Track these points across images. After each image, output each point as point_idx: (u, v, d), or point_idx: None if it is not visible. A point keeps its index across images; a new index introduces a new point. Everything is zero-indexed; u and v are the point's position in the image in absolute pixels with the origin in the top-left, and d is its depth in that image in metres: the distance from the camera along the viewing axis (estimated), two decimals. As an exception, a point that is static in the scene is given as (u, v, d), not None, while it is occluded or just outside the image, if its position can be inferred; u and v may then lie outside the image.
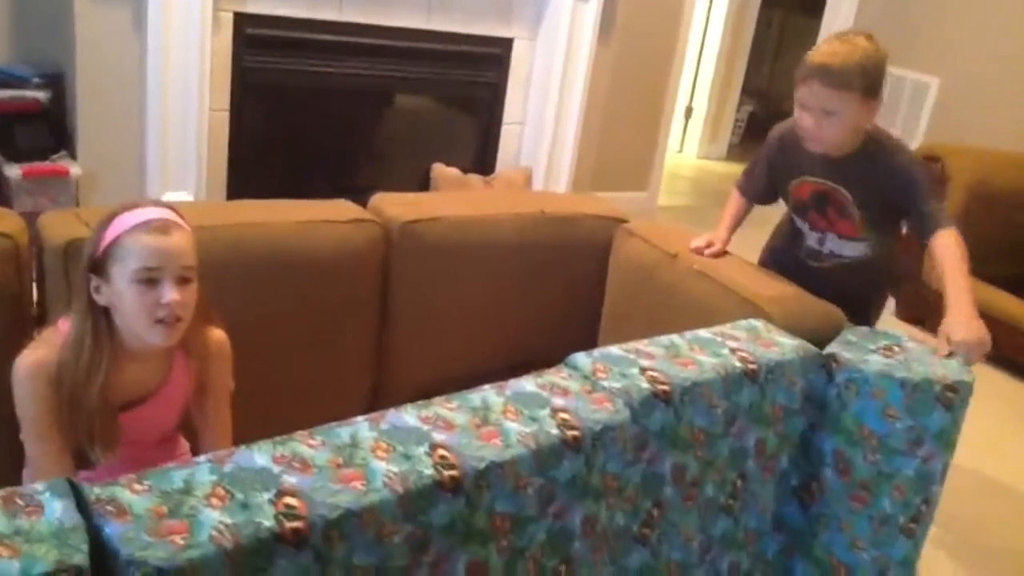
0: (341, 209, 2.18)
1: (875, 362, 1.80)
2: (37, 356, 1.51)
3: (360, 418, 1.33)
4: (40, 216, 1.89)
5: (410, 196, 2.61)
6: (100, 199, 3.17)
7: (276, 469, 1.17)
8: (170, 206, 1.58)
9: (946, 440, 1.81)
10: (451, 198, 3.09)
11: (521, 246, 2.39)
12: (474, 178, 4.00)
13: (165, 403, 1.66)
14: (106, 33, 3.04)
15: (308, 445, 1.23)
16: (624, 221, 2.53)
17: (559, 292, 2.50)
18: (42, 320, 1.79)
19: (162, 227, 1.50)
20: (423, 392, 2.31)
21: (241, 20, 3.20)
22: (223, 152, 3.30)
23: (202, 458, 1.18)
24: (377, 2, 3.50)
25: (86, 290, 1.52)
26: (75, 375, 1.51)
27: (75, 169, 3.11)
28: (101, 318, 1.53)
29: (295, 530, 1.09)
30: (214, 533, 1.04)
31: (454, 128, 4.15)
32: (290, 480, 1.15)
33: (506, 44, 3.92)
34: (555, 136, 4.08)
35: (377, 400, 2.25)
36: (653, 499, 1.59)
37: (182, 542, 1.02)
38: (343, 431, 1.28)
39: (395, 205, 2.27)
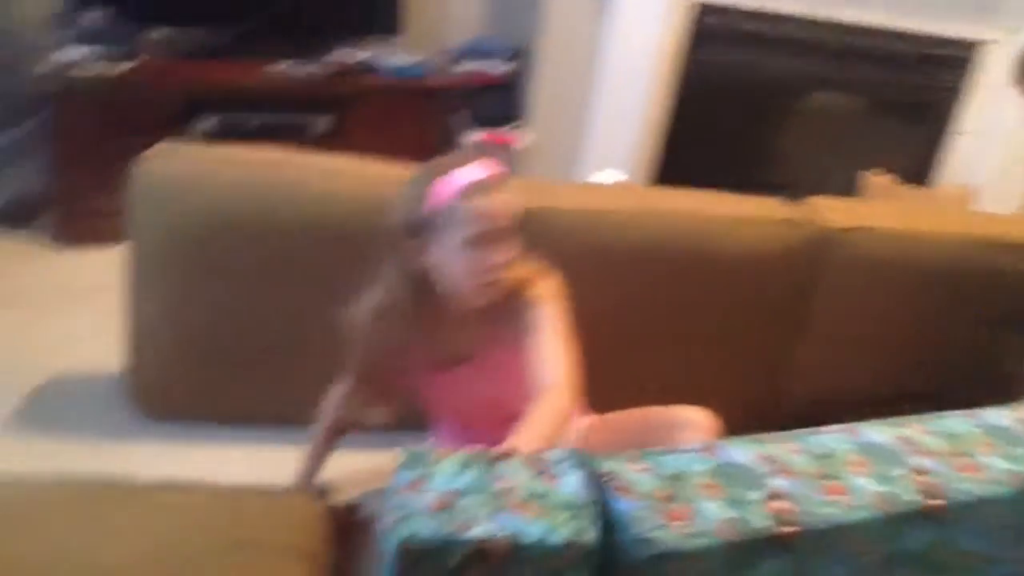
0: (772, 207, 2.12)
1: None
2: (372, 298, 1.52)
3: (833, 428, 1.28)
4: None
5: (846, 202, 2.47)
6: (536, 169, 3.39)
7: (760, 469, 1.16)
8: (482, 152, 1.53)
9: None
10: (890, 209, 2.87)
11: (951, 270, 2.17)
12: (908, 190, 3.70)
13: (485, 366, 1.59)
14: (572, 14, 3.22)
15: (787, 450, 1.21)
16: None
17: (982, 327, 2.23)
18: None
19: (492, 187, 1.43)
20: (817, 405, 2.22)
21: (700, 11, 3.23)
22: (659, 137, 3.38)
23: (689, 447, 1.19)
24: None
25: (404, 253, 1.47)
26: (388, 336, 1.51)
27: (523, 140, 3.36)
28: (418, 282, 1.49)
29: (788, 534, 1.08)
30: (716, 524, 1.05)
31: (892, 135, 3.88)
32: (778, 483, 1.13)
33: (975, 47, 3.55)
34: (1013, 151, 3.64)
35: (767, 407, 2.18)
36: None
37: (687, 528, 1.04)
38: (816, 439, 1.24)
39: (830, 209, 2.16)
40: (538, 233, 1.53)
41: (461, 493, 1.04)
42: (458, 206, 1.41)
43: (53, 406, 2.05)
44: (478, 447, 1.46)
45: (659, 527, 1.03)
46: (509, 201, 1.45)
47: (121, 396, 2.02)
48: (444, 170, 1.44)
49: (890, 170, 3.78)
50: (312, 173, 1.90)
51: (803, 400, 2.27)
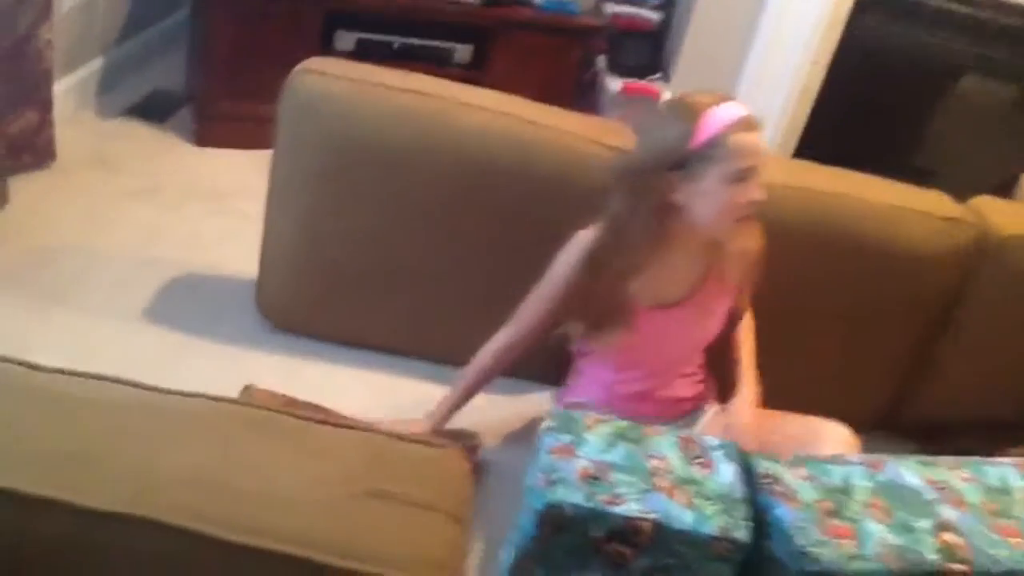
0: (937, 202, 1.99)
1: None
2: (588, 235, 1.53)
3: (1007, 461, 1.20)
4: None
5: (1012, 205, 2.30)
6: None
7: (929, 495, 1.09)
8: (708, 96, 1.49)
9: None
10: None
11: None
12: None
13: (699, 309, 1.62)
14: (733, -31, 3.06)
15: (958, 477, 1.13)
16: None
17: None
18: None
19: (754, 124, 1.45)
20: (943, 417, 2.11)
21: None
22: (807, 107, 3.22)
23: (855, 458, 1.13)
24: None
25: (655, 187, 1.47)
26: (617, 264, 1.51)
27: (666, 92, 3.24)
28: (662, 216, 1.49)
29: (956, 573, 1.00)
30: (880, 549, 0.99)
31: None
32: (948, 514, 1.07)
33: None
34: None
35: (892, 408, 2.10)
36: None
37: (850, 549, 0.99)
38: (991, 470, 1.16)
39: (1000, 212, 2.01)
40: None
41: (613, 466, 1.00)
42: (727, 140, 1.42)
43: (183, 303, 2.07)
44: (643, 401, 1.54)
45: (820, 543, 0.98)
46: (763, 140, 1.48)
47: (248, 302, 2.04)
48: (702, 106, 1.44)
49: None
50: (463, 107, 1.85)
51: (930, 409, 2.17)
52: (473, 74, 2.81)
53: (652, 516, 0.95)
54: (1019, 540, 1.05)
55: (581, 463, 0.99)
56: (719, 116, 1.43)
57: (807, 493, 1.03)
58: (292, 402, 1.62)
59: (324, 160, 1.84)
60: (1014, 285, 2.00)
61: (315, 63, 1.86)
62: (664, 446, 1.05)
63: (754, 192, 1.46)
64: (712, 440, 1.09)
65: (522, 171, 1.81)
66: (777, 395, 1.72)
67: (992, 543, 1.04)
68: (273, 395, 1.66)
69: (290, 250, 1.96)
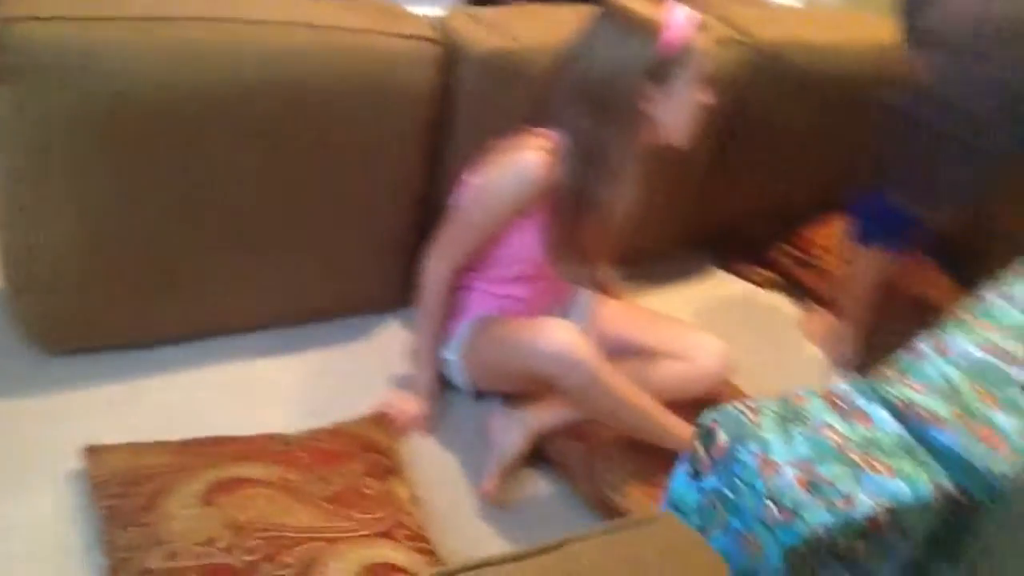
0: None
1: None
2: (542, 161, 1.40)
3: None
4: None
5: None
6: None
7: (999, 362, 1.10)
8: None
9: None
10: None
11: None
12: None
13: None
14: None
15: (993, 328, 1.15)
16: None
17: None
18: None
19: (703, 23, 1.42)
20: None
21: None
22: None
23: (921, 345, 1.11)
24: None
25: (632, 97, 1.39)
26: (604, 194, 1.43)
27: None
28: (640, 128, 1.43)
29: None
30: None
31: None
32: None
33: None
34: None
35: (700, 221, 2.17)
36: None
37: (1006, 452, 0.97)
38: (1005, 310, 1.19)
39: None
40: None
41: (811, 461, 0.88)
42: (694, 45, 1.38)
43: None
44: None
45: (986, 455, 0.96)
46: None
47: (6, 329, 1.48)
48: (653, 6, 1.39)
49: None
50: (240, 27, 1.42)
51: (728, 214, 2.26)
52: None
53: (884, 503, 0.86)
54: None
55: (789, 472, 0.85)
56: (682, 19, 1.38)
57: (939, 406, 1.00)
58: (182, 448, 1.23)
59: (76, 130, 1.32)
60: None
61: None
62: (819, 411, 0.94)
63: (710, 93, 1.44)
64: (843, 385, 1.00)
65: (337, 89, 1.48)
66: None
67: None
68: (136, 450, 1.24)
69: (60, 252, 1.43)
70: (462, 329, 1.59)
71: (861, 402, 0.98)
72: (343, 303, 1.74)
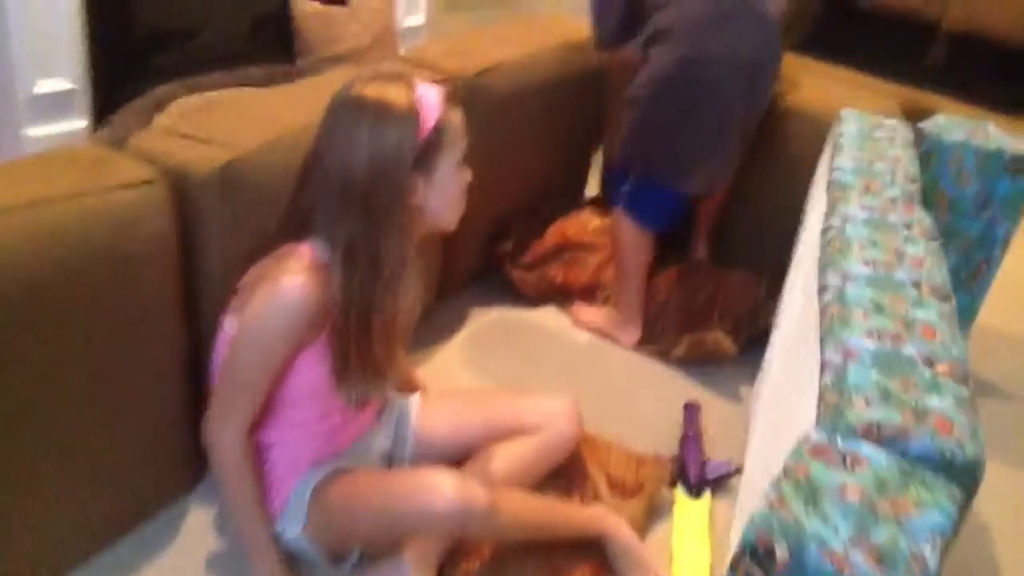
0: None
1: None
2: (306, 282, 1.19)
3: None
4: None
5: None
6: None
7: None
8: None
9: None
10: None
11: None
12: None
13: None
14: None
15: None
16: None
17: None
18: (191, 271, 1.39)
19: (454, 95, 1.30)
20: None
21: None
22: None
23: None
24: None
25: (400, 193, 1.22)
26: (387, 304, 1.25)
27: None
28: (413, 222, 1.27)
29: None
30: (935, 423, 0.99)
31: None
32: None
33: None
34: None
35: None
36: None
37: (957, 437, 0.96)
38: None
39: None
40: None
41: (861, 533, 0.80)
42: (448, 123, 1.25)
43: None
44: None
45: (954, 445, 0.94)
46: None
47: None
48: (403, 90, 1.22)
49: None
50: None
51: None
52: None
53: (936, 542, 0.79)
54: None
55: (857, 557, 0.75)
56: (431, 97, 1.24)
57: (889, 415, 0.97)
58: None
59: None
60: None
61: None
62: (823, 473, 0.86)
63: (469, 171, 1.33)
64: (812, 435, 0.93)
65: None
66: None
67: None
68: None
69: None
70: (294, 496, 1.33)
71: (843, 445, 0.93)
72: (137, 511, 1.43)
